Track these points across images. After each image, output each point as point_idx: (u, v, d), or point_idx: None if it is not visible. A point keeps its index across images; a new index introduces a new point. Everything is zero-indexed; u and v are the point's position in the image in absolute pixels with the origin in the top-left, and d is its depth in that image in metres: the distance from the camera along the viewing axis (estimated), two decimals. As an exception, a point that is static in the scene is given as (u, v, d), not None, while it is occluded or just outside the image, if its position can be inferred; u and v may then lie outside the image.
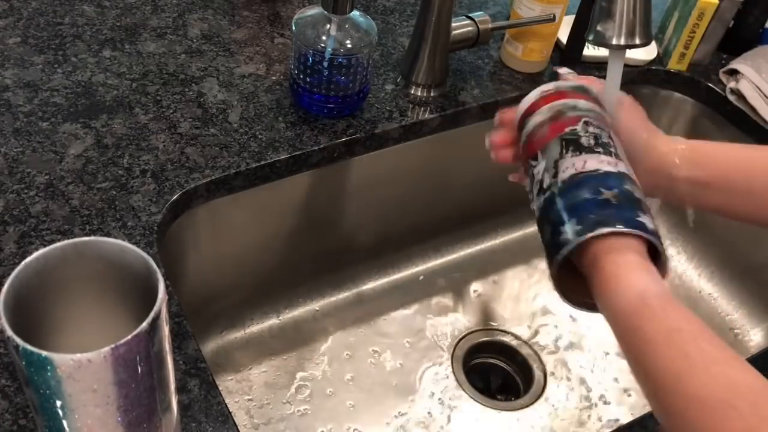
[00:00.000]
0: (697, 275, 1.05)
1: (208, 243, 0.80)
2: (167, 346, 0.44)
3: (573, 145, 0.54)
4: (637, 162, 0.58)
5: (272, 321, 0.93)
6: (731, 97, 0.96)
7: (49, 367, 0.38)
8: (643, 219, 0.50)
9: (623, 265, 0.48)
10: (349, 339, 0.92)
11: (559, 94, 0.58)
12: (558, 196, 0.52)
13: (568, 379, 0.92)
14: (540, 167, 0.55)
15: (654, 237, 0.49)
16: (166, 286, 0.51)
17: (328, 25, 0.75)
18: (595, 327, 0.97)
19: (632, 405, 0.90)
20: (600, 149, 0.53)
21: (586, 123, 0.55)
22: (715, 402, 0.41)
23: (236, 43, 0.89)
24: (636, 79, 0.99)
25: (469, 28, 0.85)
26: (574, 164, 0.53)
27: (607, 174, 0.51)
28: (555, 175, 0.53)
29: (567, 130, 0.55)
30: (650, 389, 0.46)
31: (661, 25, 1.02)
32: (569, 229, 0.50)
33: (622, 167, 0.53)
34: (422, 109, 0.85)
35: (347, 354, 0.91)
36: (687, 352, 0.44)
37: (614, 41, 0.57)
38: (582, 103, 0.57)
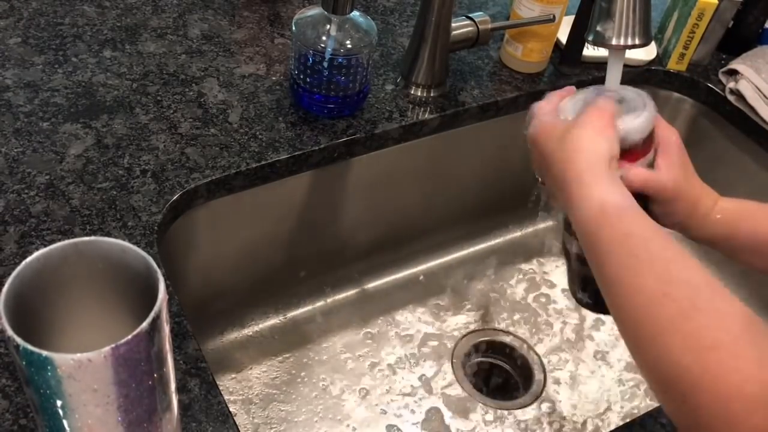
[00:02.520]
0: (697, 275, 1.05)
1: (208, 243, 0.80)
2: (167, 345, 0.44)
3: None
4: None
5: (272, 321, 0.93)
6: (731, 98, 0.96)
7: (49, 367, 0.38)
8: None
9: (589, 175, 0.53)
10: (349, 339, 0.93)
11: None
12: None
13: (568, 378, 0.92)
14: None
15: None
16: (167, 286, 0.51)
17: (328, 26, 0.75)
18: (595, 327, 0.97)
19: (632, 405, 0.90)
20: None
21: None
22: (654, 291, 0.45)
23: (236, 44, 0.89)
24: (635, 80, 0.99)
25: (469, 29, 0.85)
26: None
27: None
28: None
29: None
30: (605, 288, 0.49)
31: (661, 26, 1.02)
32: None
33: None
34: (422, 109, 0.85)
35: (347, 354, 0.91)
36: (636, 253, 0.47)
37: (614, 41, 0.57)
38: None
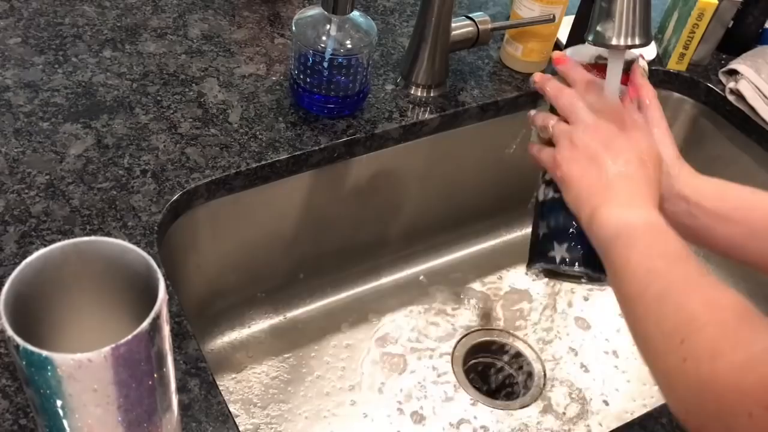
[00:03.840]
0: (697, 275, 1.05)
1: (208, 243, 0.80)
2: (167, 345, 0.44)
3: None
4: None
5: (272, 321, 0.93)
6: (731, 98, 0.96)
7: (49, 367, 0.38)
8: None
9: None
10: (349, 339, 0.93)
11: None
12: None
13: (568, 379, 0.92)
14: None
15: None
16: (167, 286, 0.51)
17: (328, 26, 0.75)
18: (595, 327, 0.97)
19: (632, 405, 0.90)
20: None
21: None
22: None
23: (236, 44, 0.89)
24: (636, 80, 0.99)
25: (469, 29, 0.85)
26: None
27: None
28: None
29: None
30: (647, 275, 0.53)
31: (661, 26, 1.02)
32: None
33: None
34: (422, 109, 0.85)
35: (347, 354, 0.91)
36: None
37: (614, 41, 0.57)
38: None
